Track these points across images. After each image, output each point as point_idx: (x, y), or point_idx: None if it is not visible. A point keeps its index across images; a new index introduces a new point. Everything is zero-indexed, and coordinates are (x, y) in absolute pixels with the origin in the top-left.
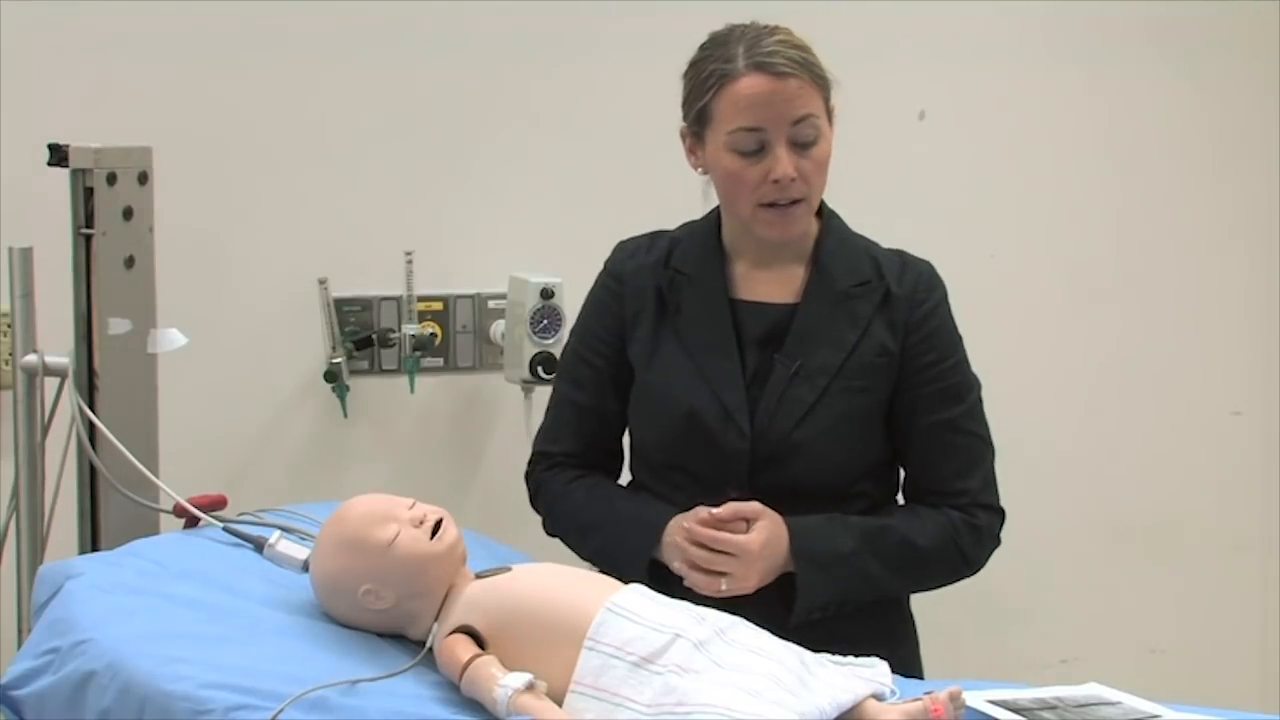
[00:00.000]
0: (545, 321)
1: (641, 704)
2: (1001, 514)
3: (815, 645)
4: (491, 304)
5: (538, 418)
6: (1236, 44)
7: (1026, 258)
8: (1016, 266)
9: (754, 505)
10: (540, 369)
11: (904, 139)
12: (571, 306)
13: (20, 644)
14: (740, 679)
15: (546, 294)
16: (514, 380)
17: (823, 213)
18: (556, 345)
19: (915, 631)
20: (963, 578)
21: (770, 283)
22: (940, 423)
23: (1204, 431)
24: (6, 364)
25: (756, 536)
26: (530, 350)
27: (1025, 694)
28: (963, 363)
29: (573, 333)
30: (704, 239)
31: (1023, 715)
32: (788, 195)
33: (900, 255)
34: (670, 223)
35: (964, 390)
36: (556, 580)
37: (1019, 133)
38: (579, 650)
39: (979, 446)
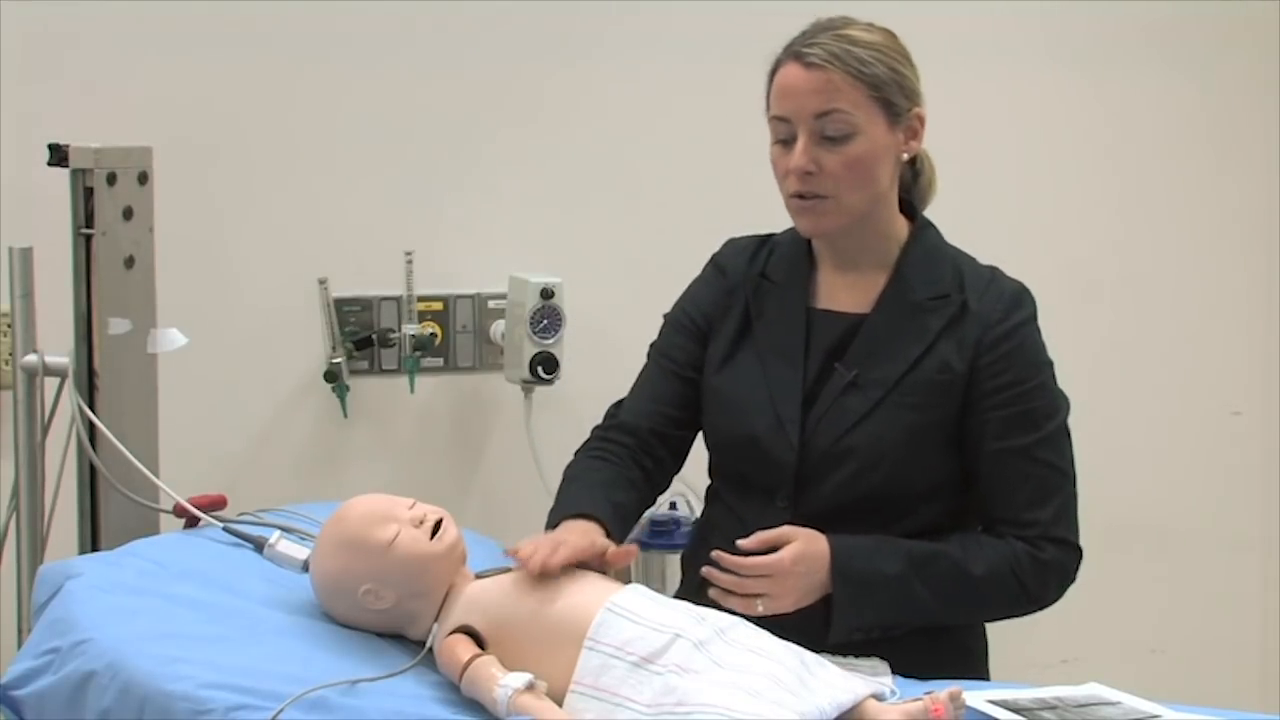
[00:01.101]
0: (545, 321)
1: (641, 704)
2: (1077, 551)
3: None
4: (491, 304)
5: (538, 418)
6: (1236, 44)
7: (1026, 258)
8: (1016, 267)
9: (783, 529)
10: (540, 369)
11: None
12: (571, 306)
13: (20, 644)
14: (740, 679)
15: (546, 294)
16: (514, 380)
17: (916, 220)
18: (556, 345)
19: (978, 661)
20: (1028, 612)
21: (849, 291)
22: (1012, 449)
23: (1204, 431)
24: (6, 364)
25: (787, 553)
26: (530, 350)
27: (1025, 694)
28: (1044, 388)
29: (670, 314)
30: (798, 245)
31: (1023, 715)
32: (808, 189)
33: (992, 272)
34: (669, 221)
35: (1042, 417)
36: (556, 580)
37: (1019, 133)
38: (579, 650)
39: (1054, 478)
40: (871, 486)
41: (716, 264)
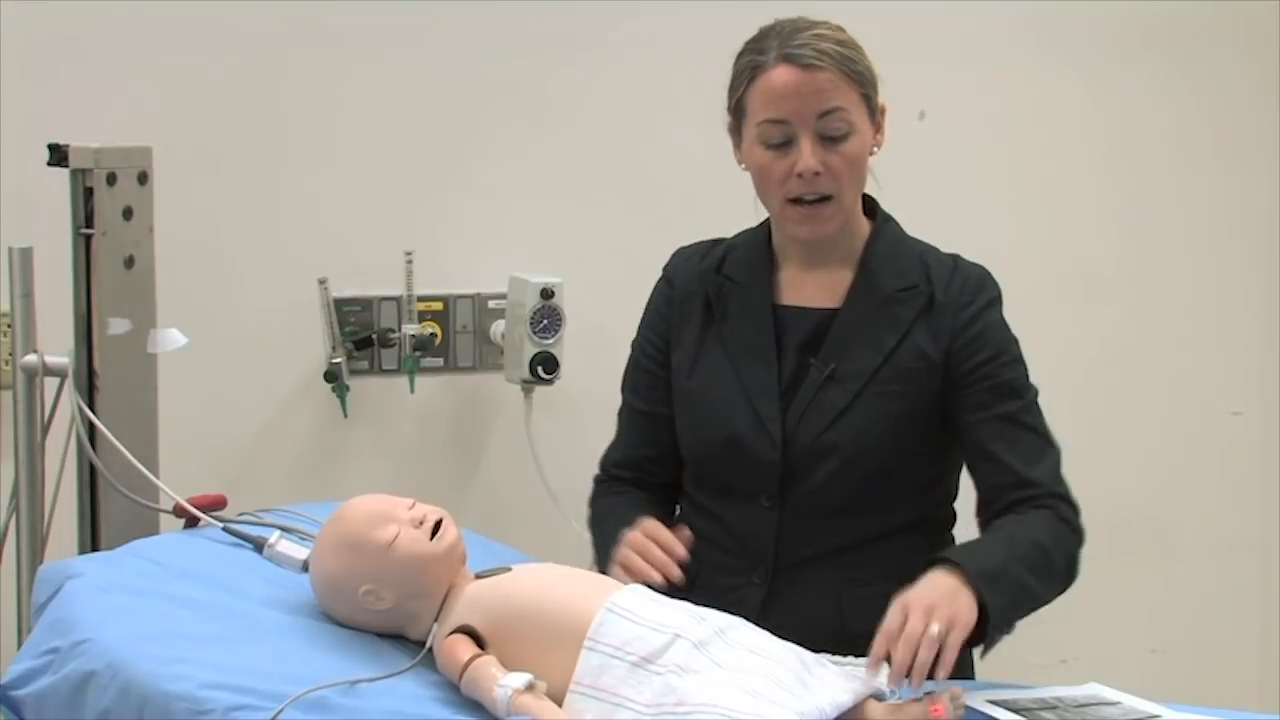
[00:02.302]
0: (545, 321)
1: (641, 704)
2: (1078, 511)
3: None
4: (491, 304)
5: (538, 418)
6: (1236, 44)
7: (1026, 258)
8: (1016, 267)
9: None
10: (540, 369)
11: (904, 139)
12: (571, 307)
13: (20, 644)
14: (740, 679)
15: (546, 294)
16: (514, 380)
17: (876, 215)
18: (556, 345)
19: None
20: (1071, 582)
21: (816, 287)
22: (998, 416)
23: (1204, 431)
24: (6, 364)
25: (908, 602)
26: (530, 350)
27: (1025, 694)
28: (1018, 362)
29: (634, 342)
30: (755, 245)
31: (1022, 715)
32: (813, 190)
33: (955, 260)
34: (669, 222)
35: (1020, 388)
36: (556, 580)
37: (1018, 133)
38: (579, 650)
39: (1040, 442)
40: (857, 480)
41: (665, 277)
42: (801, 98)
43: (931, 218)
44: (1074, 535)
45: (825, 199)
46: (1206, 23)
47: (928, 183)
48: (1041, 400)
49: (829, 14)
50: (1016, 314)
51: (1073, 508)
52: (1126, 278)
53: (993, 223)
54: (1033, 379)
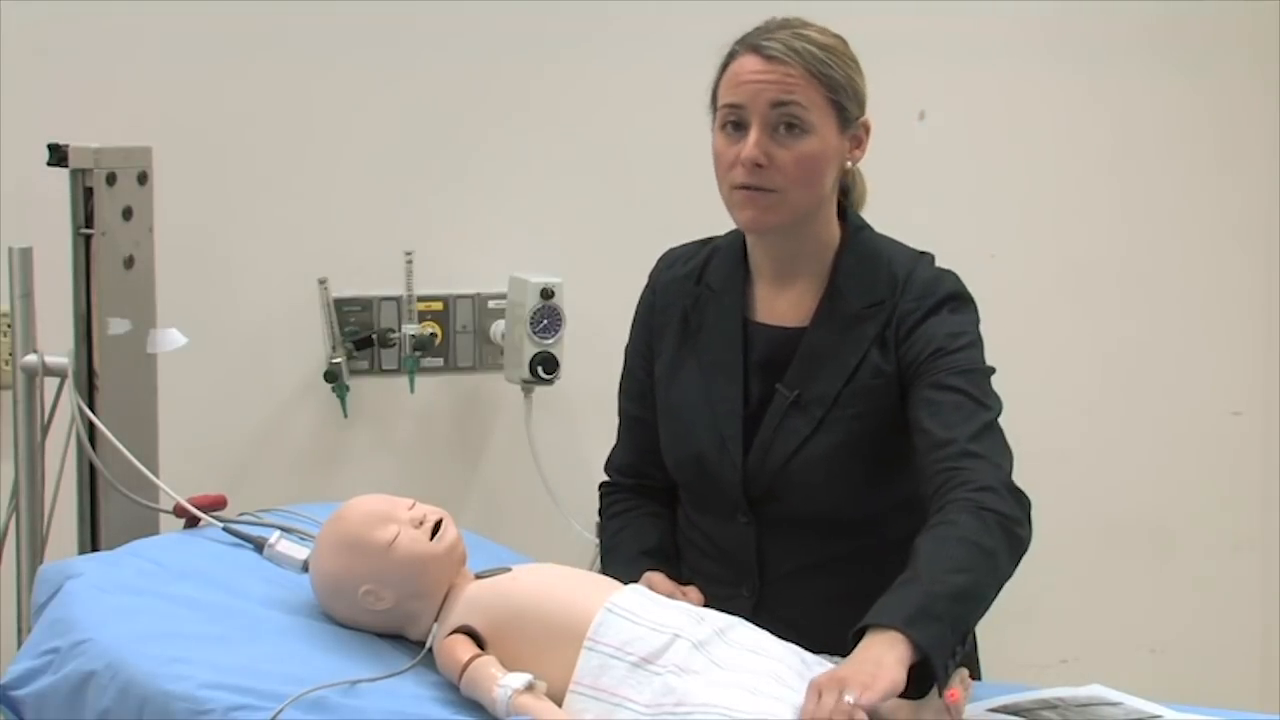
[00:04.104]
0: (545, 321)
1: (641, 704)
2: (999, 467)
3: None
4: (491, 304)
5: (538, 417)
6: (1237, 44)
7: (1026, 258)
8: (1016, 267)
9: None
10: (540, 369)
11: (904, 139)
12: (571, 307)
13: (20, 644)
14: (740, 678)
15: (546, 294)
16: (514, 380)
17: (850, 223)
18: (556, 345)
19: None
20: (1020, 552)
21: (786, 304)
22: (929, 384)
23: (1204, 431)
24: (6, 364)
25: (823, 679)
26: (530, 350)
27: (1027, 695)
28: (965, 350)
29: (627, 348)
30: (733, 253)
31: (1023, 716)
32: (758, 181)
33: (915, 264)
34: (669, 221)
35: (964, 367)
36: (556, 580)
37: (1019, 132)
38: (579, 650)
39: (966, 403)
40: (828, 503)
41: (650, 283)
42: (758, 85)
43: (931, 218)
44: (995, 515)
45: (771, 191)
46: (1208, 23)
47: (928, 183)
48: (1041, 401)
49: (828, 14)
50: (1016, 314)
51: (985, 462)
52: (1126, 278)
53: (992, 223)
54: (1033, 379)
